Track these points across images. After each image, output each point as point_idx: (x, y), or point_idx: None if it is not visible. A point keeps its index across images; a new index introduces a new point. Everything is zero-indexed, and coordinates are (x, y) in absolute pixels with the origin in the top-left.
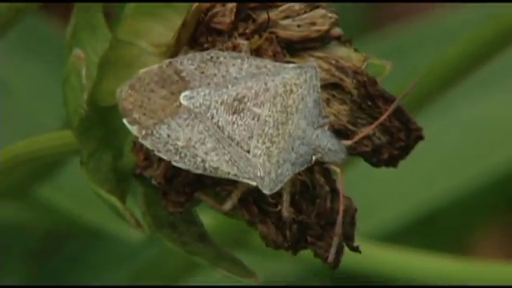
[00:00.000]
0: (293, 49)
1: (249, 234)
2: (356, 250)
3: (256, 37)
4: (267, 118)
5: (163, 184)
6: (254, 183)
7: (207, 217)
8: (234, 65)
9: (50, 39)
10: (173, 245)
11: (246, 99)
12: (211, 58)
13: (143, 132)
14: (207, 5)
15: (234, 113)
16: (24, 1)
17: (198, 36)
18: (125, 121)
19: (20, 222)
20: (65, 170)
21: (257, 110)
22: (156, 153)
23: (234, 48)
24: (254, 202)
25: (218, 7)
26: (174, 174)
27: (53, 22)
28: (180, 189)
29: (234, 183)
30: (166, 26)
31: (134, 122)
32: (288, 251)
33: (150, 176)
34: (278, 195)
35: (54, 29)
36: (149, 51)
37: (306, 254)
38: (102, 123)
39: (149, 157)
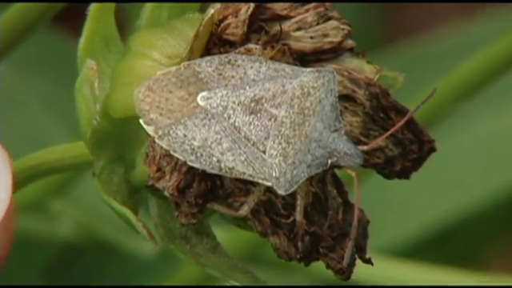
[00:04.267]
0: (305, 60)
1: (262, 246)
2: (368, 261)
3: (268, 48)
4: (284, 119)
5: (176, 195)
6: (269, 184)
7: (220, 229)
8: (252, 67)
9: (62, 52)
10: (185, 256)
11: (263, 100)
12: (229, 60)
13: (159, 132)
14: (220, 16)
15: (250, 113)
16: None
17: (210, 48)
18: (141, 121)
19: (35, 235)
20: (79, 184)
21: (274, 111)
22: (172, 152)
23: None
24: (265, 213)
25: (231, 19)
26: (186, 185)
27: (65, 34)
28: (192, 200)
29: (246, 194)
30: (178, 37)
31: (150, 122)
32: (300, 263)
33: (162, 187)
34: (290, 206)
35: (66, 42)
36: (162, 63)
37: (318, 266)
38: (114, 135)
39: (161, 168)
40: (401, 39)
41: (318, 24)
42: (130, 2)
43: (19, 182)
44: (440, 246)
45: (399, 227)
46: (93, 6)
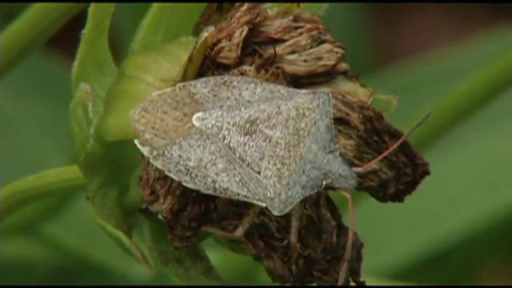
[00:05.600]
0: (299, 83)
1: (256, 269)
2: (362, 284)
3: (262, 71)
4: (279, 140)
5: (169, 219)
6: (264, 204)
7: (214, 252)
8: (247, 89)
9: (56, 75)
10: (179, 280)
11: (258, 121)
12: (225, 82)
13: (154, 153)
14: (213, 40)
15: (245, 134)
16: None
17: (204, 71)
18: (136, 142)
19: (28, 258)
20: (72, 208)
21: (269, 132)
22: (167, 173)
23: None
24: (259, 236)
25: (224, 42)
26: (180, 208)
27: (59, 58)
28: (186, 223)
29: (240, 217)
30: (172, 61)
31: (145, 142)
32: (294, 286)
33: (156, 211)
34: (284, 230)
35: (60, 65)
36: (155, 86)
37: None
38: (108, 158)
39: (155, 191)
40: (394, 62)
41: (311, 47)
42: (133, 1)
43: (12, 205)
44: (435, 267)
45: (393, 249)
46: (86, 29)
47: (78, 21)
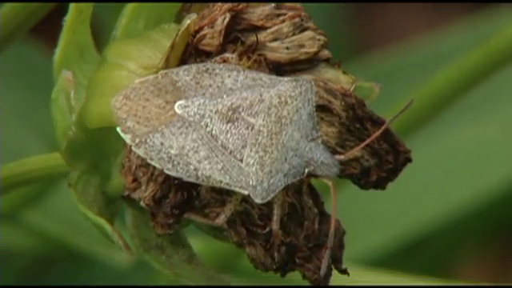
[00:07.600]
0: (281, 71)
1: (238, 257)
2: (344, 272)
3: (244, 59)
4: (261, 128)
5: (152, 206)
6: (246, 192)
7: (196, 240)
8: (229, 76)
9: (37, 64)
10: (161, 267)
11: (240, 109)
12: (207, 69)
13: (137, 140)
14: (196, 27)
15: (228, 122)
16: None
17: (186, 58)
18: (118, 129)
19: (8, 246)
20: (53, 195)
21: (251, 120)
22: (149, 161)
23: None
24: (242, 223)
25: (206, 29)
26: (162, 195)
27: (40, 46)
28: (168, 211)
29: (222, 204)
30: (154, 48)
31: (127, 130)
32: (276, 273)
33: (138, 198)
34: (266, 217)
35: (41, 53)
36: (137, 73)
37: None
38: (90, 145)
39: (137, 179)
40: (372, 50)
41: (293, 34)
42: (110, 1)
43: None
44: (412, 255)
45: (373, 236)
46: (68, 17)
47: (60, 8)
